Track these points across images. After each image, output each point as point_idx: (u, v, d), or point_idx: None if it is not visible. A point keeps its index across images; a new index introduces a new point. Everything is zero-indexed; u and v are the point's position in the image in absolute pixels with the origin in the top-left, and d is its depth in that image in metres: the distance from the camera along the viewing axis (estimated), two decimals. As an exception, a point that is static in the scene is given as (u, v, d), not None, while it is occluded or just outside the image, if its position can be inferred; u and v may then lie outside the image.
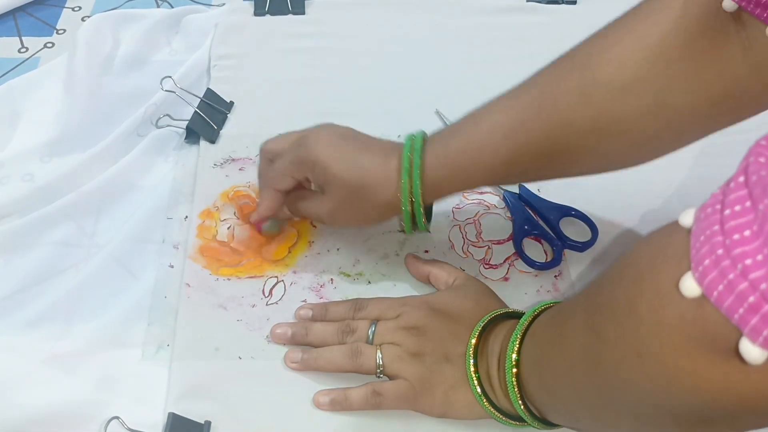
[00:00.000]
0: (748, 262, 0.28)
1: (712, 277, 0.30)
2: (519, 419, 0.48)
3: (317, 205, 0.56)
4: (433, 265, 0.59)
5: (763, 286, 0.28)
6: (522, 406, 0.47)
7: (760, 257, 0.28)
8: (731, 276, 0.29)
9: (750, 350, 0.29)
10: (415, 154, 0.52)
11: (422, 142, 0.53)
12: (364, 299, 0.56)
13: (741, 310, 0.29)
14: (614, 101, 0.47)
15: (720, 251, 0.29)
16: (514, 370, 0.46)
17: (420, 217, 0.54)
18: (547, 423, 0.48)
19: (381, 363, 0.51)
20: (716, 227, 0.30)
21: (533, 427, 0.48)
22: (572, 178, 0.54)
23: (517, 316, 0.52)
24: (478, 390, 0.49)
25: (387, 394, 0.51)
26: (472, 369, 0.49)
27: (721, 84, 0.45)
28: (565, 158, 0.51)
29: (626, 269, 0.37)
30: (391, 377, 0.52)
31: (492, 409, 0.49)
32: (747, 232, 0.29)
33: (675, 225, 0.33)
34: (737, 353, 0.29)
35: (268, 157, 0.59)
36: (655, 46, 0.46)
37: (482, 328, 0.50)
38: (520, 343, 0.47)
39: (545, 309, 0.48)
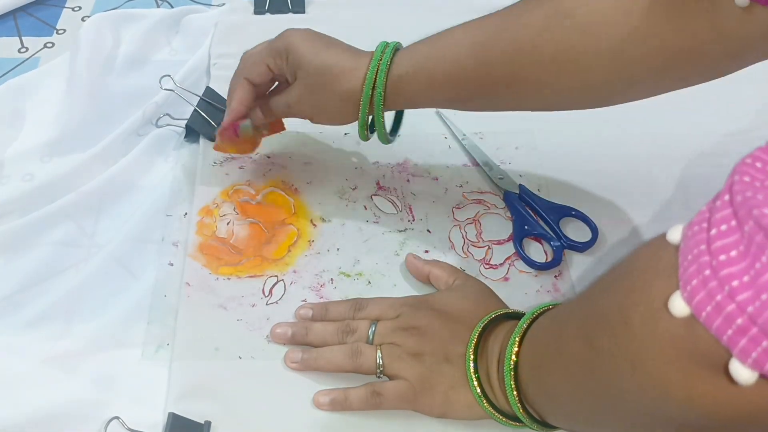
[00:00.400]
0: (735, 283, 0.28)
1: (701, 298, 0.30)
2: (519, 420, 0.48)
3: (286, 95, 0.59)
4: (433, 266, 0.59)
5: (750, 308, 0.28)
6: (520, 408, 0.47)
7: (746, 278, 0.28)
8: (719, 297, 0.29)
9: (740, 371, 0.29)
10: (385, 57, 0.55)
11: (393, 49, 0.55)
12: (364, 299, 0.56)
13: (729, 332, 0.29)
14: (575, 38, 0.49)
15: (707, 272, 0.30)
16: (513, 372, 0.46)
17: (380, 123, 0.57)
18: (546, 425, 0.47)
19: (381, 363, 0.51)
20: (703, 246, 0.30)
21: (532, 429, 0.48)
22: (526, 111, 0.57)
23: (517, 316, 0.51)
24: (478, 390, 0.49)
25: (387, 394, 0.51)
26: (472, 369, 0.49)
27: (679, 42, 0.46)
28: (522, 88, 0.53)
29: (619, 281, 0.37)
30: (391, 377, 0.52)
31: (492, 410, 0.49)
32: (733, 253, 0.29)
33: (664, 239, 0.34)
34: (727, 372, 0.30)
35: (244, 58, 0.60)
36: None
37: (482, 328, 0.50)
38: (519, 346, 0.47)
39: (544, 311, 0.48)
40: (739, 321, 0.28)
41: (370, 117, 0.58)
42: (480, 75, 0.53)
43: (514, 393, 0.46)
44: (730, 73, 0.49)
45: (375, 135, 0.60)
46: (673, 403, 0.34)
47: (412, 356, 0.51)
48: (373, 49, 0.56)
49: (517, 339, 0.47)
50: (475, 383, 0.49)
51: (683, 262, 0.31)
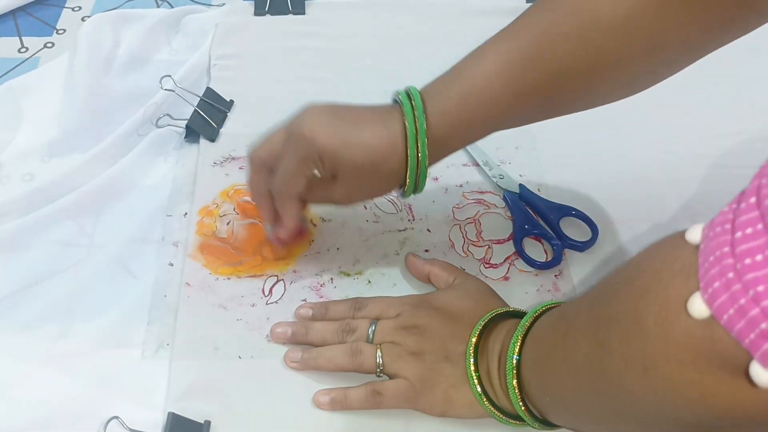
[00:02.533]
0: (761, 288, 0.28)
1: (722, 301, 0.29)
2: (519, 419, 0.48)
3: (331, 192, 0.53)
4: (434, 265, 0.58)
5: None
6: (522, 407, 0.46)
7: None
8: (742, 301, 0.29)
9: (761, 374, 0.29)
10: (419, 115, 0.49)
11: (422, 100, 0.50)
12: (364, 298, 0.56)
13: (752, 336, 0.29)
14: (613, 41, 0.47)
15: (731, 274, 0.29)
16: (515, 371, 0.46)
17: (424, 180, 0.52)
18: (547, 424, 0.47)
19: (381, 362, 0.51)
20: (726, 249, 0.30)
21: (534, 427, 0.48)
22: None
23: (518, 315, 0.51)
24: (479, 389, 0.49)
25: (387, 394, 0.51)
26: (473, 368, 0.49)
27: (710, 14, 0.46)
28: (565, 100, 0.51)
29: (631, 281, 0.36)
30: (391, 376, 0.52)
31: (492, 409, 0.49)
32: (759, 257, 0.29)
33: (681, 239, 0.33)
34: (747, 374, 0.29)
35: (263, 164, 0.54)
36: None
37: (483, 327, 0.50)
38: (521, 345, 0.47)
39: (546, 310, 0.48)
40: (764, 325, 0.28)
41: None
42: (520, 104, 0.50)
43: (516, 391, 0.46)
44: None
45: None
46: (686, 404, 0.34)
47: (412, 355, 0.51)
48: (396, 96, 0.51)
49: (519, 337, 0.47)
50: (476, 382, 0.49)
51: (704, 263, 0.31)
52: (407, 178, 0.51)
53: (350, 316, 0.55)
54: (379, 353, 0.51)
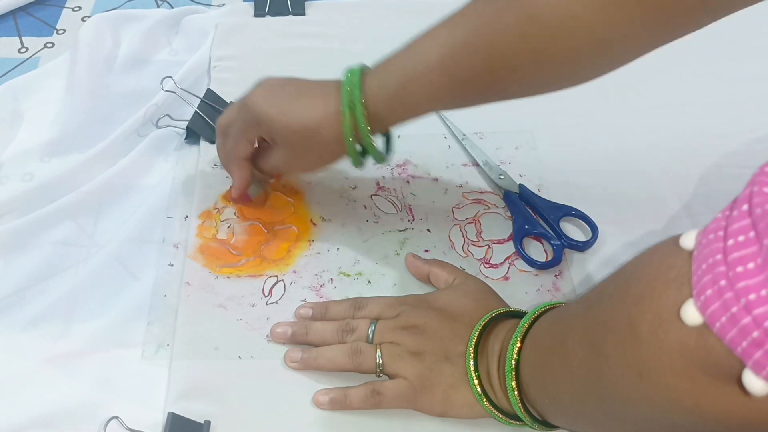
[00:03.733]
0: (752, 297, 0.28)
1: (715, 308, 0.29)
2: (519, 419, 0.48)
3: (275, 158, 0.57)
4: (433, 265, 0.58)
5: (767, 323, 0.28)
6: (521, 408, 0.47)
7: (764, 292, 0.28)
8: (734, 309, 0.29)
9: (753, 383, 0.29)
10: (354, 89, 0.52)
11: (360, 76, 0.52)
12: (364, 298, 0.56)
13: (744, 344, 0.29)
14: (552, 38, 0.47)
15: (723, 282, 0.29)
16: (514, 372, 0.46)
17: (372, 149, 0.54)
18: (547, 425, 0.47)
19: (381, 362, 0.51)
20: (719, 256, 0.30)
21: (533, 428, 0.48)
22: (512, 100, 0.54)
23: (518, 315, 0.51)
24: (478, 389, 0.49)
25: (387, 393, 0.51)
26: (472, 368, 0.49)
27: (652, 6, 0.44)
28: (504, 89, 0.51)
29: (626, 288, 0.36)
30: (390, 376, 0.52)
31: (492, 409, 0.49)
32: (751, 265, 0.29)
33: (675, 246, 0.33)
34: (740, 382, 0.29)
35: (222, 131, 0.60)
36: None
37: (482, 327, 0.50)
38: (520, 346, 0.47)
39: (546, 311, 0.48)
40: (755, 334, 0.28)
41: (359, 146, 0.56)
42: (458, 89, 0.51)
43: (515, 392, 0.46)
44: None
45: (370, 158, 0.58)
46: (681, 411, 0.34)
47: (412, 355, 0.51)
48: (343, 74, 0.53)
49: (518, 338, 0.47)
50: (476, 382, 0.49)
51: (697, 271, 0.31)
52: (346, 142, 0.53)
53: (350, 316, 0.55)
54: (378, 353, 0.51)
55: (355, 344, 0.52)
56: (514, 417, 0.48)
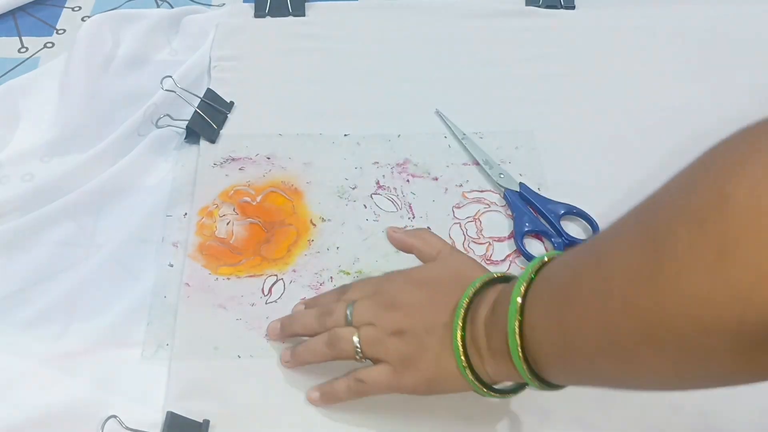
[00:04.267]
0: None
1: None
2: (501, 392, 0.46)
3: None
4: (417, 237, 0.55)
5: None
6: (521, 355, 0.42)
7: None
8: None
9: None
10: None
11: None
12: (349, 283, 0.54)
13: None
14: None
15: None
16: (518, 317, 0.41)
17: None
18: (544, 383, 0.43)
19: (359, 348, 0.49)
20: None
21: (530, 385, 0.44)
22: None
23: (506, 280, 0.47)
24: (463, 360, 0.45)
25: (369, 380, 0.49)
26: (459, 335, 0.45)
27: None
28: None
29: (715, 161, 0.32)
30: (373, 361, 0.49)
31: (473, 380, 0.45)
32: None
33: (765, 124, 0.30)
34: None
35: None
36: None
37: (474, 292, 0.46)
38: (526, 289, 0.42)
39: (551, 259, 0.43)
40: None
41: None
42: None
43: (517, 336, 0.41)
44: None
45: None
46: (763, 296, 0.29)
47: (391, 336, 0.48)
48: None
49: (527, 277, 0.42)
50: (461, 351, 0.45)
51: None
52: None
53: (335, 301, 0.53)
54: (355, 338, 0.49)
55: (333, 332, 0.50)
56: (499, 390, 0.46)
